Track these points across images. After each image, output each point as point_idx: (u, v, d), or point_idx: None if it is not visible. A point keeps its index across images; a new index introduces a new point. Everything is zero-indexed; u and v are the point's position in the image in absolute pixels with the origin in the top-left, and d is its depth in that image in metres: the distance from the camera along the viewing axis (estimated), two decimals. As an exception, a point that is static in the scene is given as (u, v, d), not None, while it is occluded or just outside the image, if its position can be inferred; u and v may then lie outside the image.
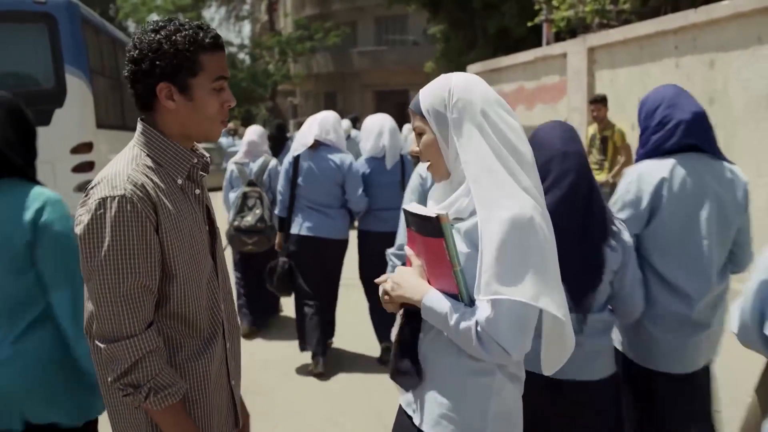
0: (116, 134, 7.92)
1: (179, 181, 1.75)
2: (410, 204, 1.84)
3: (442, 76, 1.83)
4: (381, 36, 33.43)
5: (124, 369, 1.63)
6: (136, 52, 1.68)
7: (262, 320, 6.05)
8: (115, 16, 35.76)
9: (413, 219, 1.80)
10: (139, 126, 1.76)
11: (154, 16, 33.61)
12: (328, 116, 5.11)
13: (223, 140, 16.09)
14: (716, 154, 2.65)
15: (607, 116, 7.80)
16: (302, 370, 5.03)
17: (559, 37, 12.18)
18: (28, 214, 2.05)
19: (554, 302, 1.64)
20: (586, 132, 7.92)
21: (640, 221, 2.57)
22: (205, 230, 1.83)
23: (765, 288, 1.89)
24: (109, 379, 1.66)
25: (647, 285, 2.58)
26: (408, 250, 1.87)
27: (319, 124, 5.00)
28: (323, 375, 4.94)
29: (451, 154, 1.77)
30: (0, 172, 2.10)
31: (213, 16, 39.42)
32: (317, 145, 4.96)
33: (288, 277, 5.02)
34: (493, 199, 1.64)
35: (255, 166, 5.89)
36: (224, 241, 5.62)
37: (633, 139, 7.79)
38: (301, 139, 5.02)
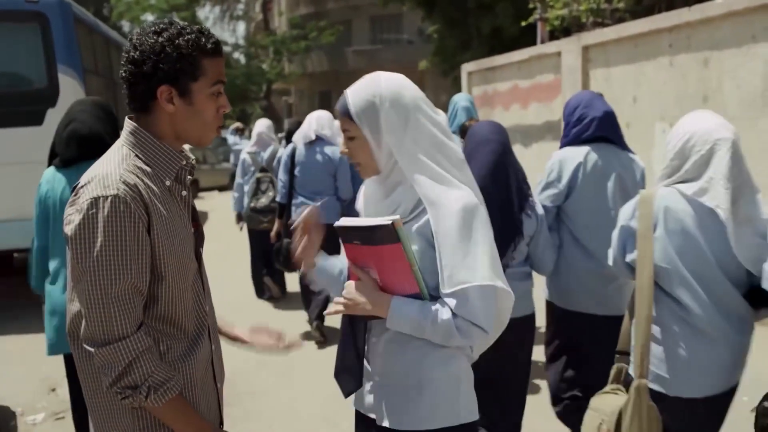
0: (110, 134, 7.89)
1: (167, 183, 1.74)
2: (342, 219, 1.84)
3: (369, 75, 1.85)
4: (376, 35, 33.43)
5: (120, 371, 1.61)
6: (137, 53, 1.67)
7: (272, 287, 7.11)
8: (109, 15, 35.66)
9: (356, 233, 1.81)
10: (129, 125, 1.75)
11: (149, 16, 33.55)
12: (322, 114, 5.90)
13: (230, 138, 16.43)
14: (621, 145, 3.41)
15: None
16: (298, 363, 5.03)
17: (553, 36, 12.18)
18: None
19: (501, 279, 1.76)
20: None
21: (560, 196, 3.29)
22: (190, 232, 1.83)
23: (623, 231, 2.54)
24: (106, 384, 1.63)
25: (566, 246, 3.31)
26: (351, 266, 1.88)
27: (316, 121, 5.77)
28: (323, 343, 5.67)
29: (383, 154, 1.80)
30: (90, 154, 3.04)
31: (207, 15, 39.34)
32: (314, 140, 5.71)
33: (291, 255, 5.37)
34: (437, 194, 1.72)
35: (266, 155, 6.77)
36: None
37: (628, 138, 7.79)
38: (302, 134, 5.77)
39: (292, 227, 1.93)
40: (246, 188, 6.84)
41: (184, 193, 1.81)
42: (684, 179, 2.37)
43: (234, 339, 2.11)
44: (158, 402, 1.64)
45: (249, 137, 12.31)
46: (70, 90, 6.68)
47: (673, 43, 6.97)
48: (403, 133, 1.76)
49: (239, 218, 7.13)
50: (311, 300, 5.73)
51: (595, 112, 3.34)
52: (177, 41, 1.66)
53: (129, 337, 1.62)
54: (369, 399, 1.90)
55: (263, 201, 6.54)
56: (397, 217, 1.73)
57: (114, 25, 33.73)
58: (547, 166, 3.35)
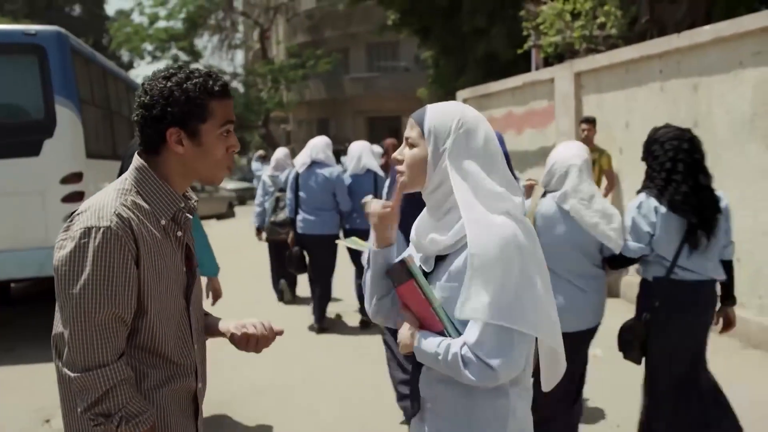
0: (106, 164, 7.93)
1: (162, 222, 1.78)
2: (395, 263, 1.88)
3: (455, 102, 1.90)
4: (372, 62, 33.68)
5: (96, 398, 1.64)
6: (147, 98, 1.74)
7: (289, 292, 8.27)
8: (108, 45, 35.97)
9: (391, 276, 1.88)
10: (136, 162, 1.80)
11: (147, 45, 33.82)
12: (318, 141, 6.94)
13: (254, 164, 17.37)
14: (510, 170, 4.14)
15: (594, 140, 7.86)
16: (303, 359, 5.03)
17: (547, 62, 12.30)
18: None
19: (539, 327, 1.71)
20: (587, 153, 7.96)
21: None
22: (182, 271, 1.86)
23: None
24: (80, 409, 1.67)
25: None
26: (400, 308, 1.90)
27: (311, 148, 6.85)
28: (325, 330, 6.82)
29: (436, 178, 1.81)
30: None
31: (206, 44, 39.70)
32: (312, 164, 6.76)
33: (300, 260, 6.90)
34: (478, 225, 1.70)
35: (283, 177, 7.77)
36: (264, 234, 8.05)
37: (621, 163, 7.84)
38: (300, 160, 6.89)
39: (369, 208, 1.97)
40: (267, 205, 8.01)
41: (179, 233, 1.85)
42: (553, 189, 3.45)
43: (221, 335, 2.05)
44: None
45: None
46: (67, 121, 6.74)
47: (664, 69, 7.05)
48: (465, 162, 1.77)
49: (259, 231, 8.36)
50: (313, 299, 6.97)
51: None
52: (185, 85, 1.73)
53: (109, 365, 1.65)
54: (419, 427, 1.92)
55: (281, 216, 7.52)
56: (407, 254, 1.77)
57: (113, 54, 34.01)
58: None
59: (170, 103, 1.72)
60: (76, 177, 6.75)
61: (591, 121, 7.91)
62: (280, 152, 8.53)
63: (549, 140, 9.48)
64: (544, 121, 9.73)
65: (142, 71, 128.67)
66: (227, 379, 5.18)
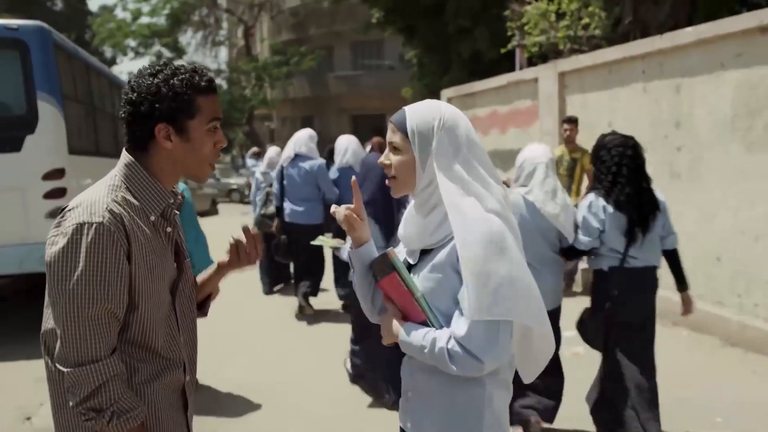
0: (89, 160, 7.87)
1: (152, 218, 1.79)
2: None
3: (430, 101, 1.92)
4: (357, 60, 33.65)
5: (88, 393, 1.64)
6: (134, 95, 1.75)
7: (275, 285, 8.66)
8: (90, 41, 35.70)
9: (373, 269, 1.93)
10: (124, 158, 1.81)
11: (131, 41, 33.62)
12: (302, 134, 7.35)
13: (249, 161, 17.66)
14: None
15: (577, 140, 7.91)
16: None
17: (531, 62, 12.36)
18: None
19: (526, 312, 1.76)
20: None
21: None
22: (172, 266, 1.88)
23: None
24: (71, 404, 1.67)
25: None
26: (383, 300, 1.95)
27: (295, 142, 7.25)
28: (311, 316, 7.10)
29: (425, 178, 1.84)
30: None
31: (189, 41, 39.43)
32: (296, 157, 7.15)
33: (287, 248, 7.30)
34: (467, 223, 1.74)
35: (274, 174, 7.95)
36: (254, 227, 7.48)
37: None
38: (285, 154, 7.35)
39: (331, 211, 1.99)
40: (258, 200, 8.45)
41: (168, 229, 1.86)
42: (522, 183, 3.93)
43: (219, 274, 2.10)
44: (119, 429, 1.67)
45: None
46: (49, 117, 6.68)
47: (647, 69, 7.11)
48: (451, 161, 1.80)
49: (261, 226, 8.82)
50: (298, 287, 7.24)
51: None
52: (172, 81, 1.74)
53: (101, 360, 1.65)
54: (403, 414, 1.97)
55: (270, 209, 7.90)
56: (390, 248, 1.82)
57: (95, 50, 33.76)
58: None
59: (158, 100, 1.73)
60: (58, 173, 6.69)
61: (573, 121, 7.96)
62: (273, 151, 8.99)
63: (533, 139, 9.50)
64: (528, 121, 9.78)
65: (125, 67, 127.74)
66: (212, 379, 5.16)
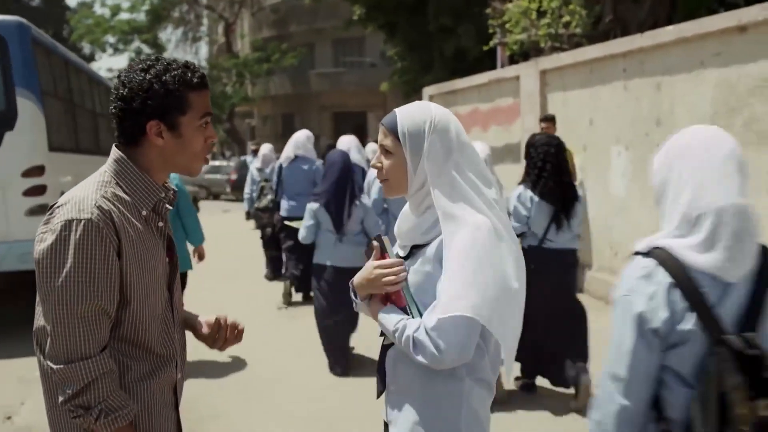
0: (69, 157, 7.80)
1: (144, 213, 1.78)
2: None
3: (420, 102, 1.93)
4: (338, 58, 33.61)
5: (77, 390, 1.64)
6: (126, 90, 1.74)
7: (277, 272, 8.96)
8: (68, 37, 35.30)
9: (365, 251, 2.06)
10: (114, 154, 1.80)
11: (110, 38, 33.28)
12: (300, 136, 8.08)
13: (248, 158, 18.41)
14: None
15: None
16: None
17: (513, 60, 12.42)
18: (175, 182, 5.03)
19: (496, 321, 1.75)
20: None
21: None
22: (164, 262, 1.87)
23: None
24: (60, 400, 1.66)
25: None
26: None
27: (294, 144, 8.00)
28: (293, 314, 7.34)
29: (417, 180, 1.85)
30: None
31: (169, 37, 39.13)
32: (295, 158, 7.94)
33: (275, 239, 8.53)
34: (455, 223, 1.76)
35: (268, 170, 9.07)
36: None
37: (585, 160, 7.96)
38: (284, 155, 8.08)
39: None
40: (254, 195, 9.29)
41: (160, 224, 1.85)
42: None
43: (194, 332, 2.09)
44: (107, 427, 1.66)
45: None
46: (29, 113, 6.61)
47: (627, 67, 7.17)
48: (442, 163, 1.81)
49: (248, 215, 10.86)
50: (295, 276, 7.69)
51: None
52: (164, 77, 1.73)
53: (91, 357, 1.65)
54: (386, 406, 1.98)
55: (264, 202, 8.82)
56: (381, 229, 1.90)
57: (73, 46, 33.40)
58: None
59: (150, 96, 1.72)
60: (37, 170, 6.63)
61: (550, 120, 7.97)
62: (266, 148, 9.79)
63: (514, 137, 9.57)
64: (510, 118, 9.83)
65: (103, 64, 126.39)
66: (192, 375, 5.14)
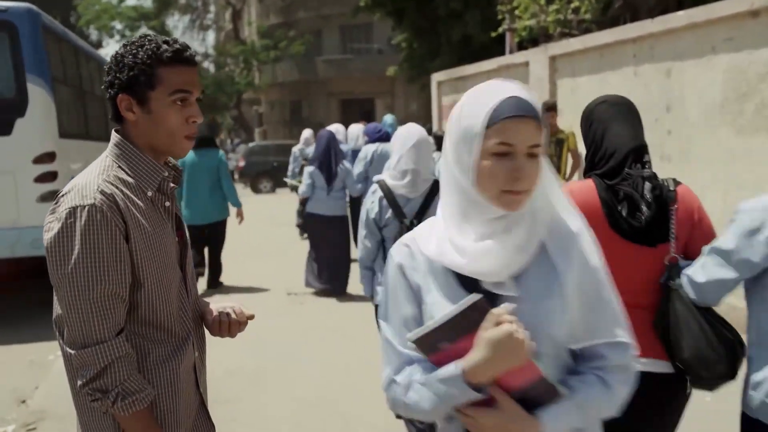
0: (79, 144, 7.84)
1: (149, 194, 1.78)
2: (416, 331, 1.41)
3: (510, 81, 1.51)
4: (346, 44, 33.49)
5: (94, 374, 1.65)
6: (107, 66, 1.76)
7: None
8: (75, 23, 35.29)
9: (439, 334, 1.37)
10: (114, 137, 1.80)
11: (117, 24, 33.29)
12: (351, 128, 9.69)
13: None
14: None
15: (559, 124, 7.82)
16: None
17: (521, 46, 12.37)
18: (218, 157, 7.70)
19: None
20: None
21: None
22: (174, 241, 1.87)
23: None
24: (78, 384, 1.68)
25: None
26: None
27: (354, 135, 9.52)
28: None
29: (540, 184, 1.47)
30: (209, 144, 7.78)
31: (176, 24, 39.12)
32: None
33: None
34: (566, 225, 1.49)
35: (309, 150, 10.05)
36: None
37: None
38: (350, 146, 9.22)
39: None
40: (296, 170, 11.07)
41: (167, 203, 1.85)
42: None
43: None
44: (124, 411, 1.67)
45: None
46: (39, 100, 6.63)
47: (637, 53, 7.14)
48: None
49: (293, 188, 12.57)
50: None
51: None
52: (136, 51, 1.73)
53: (107, 341, 1.66)
54: None
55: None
56: (480, 296, 1.35)
57: (80, 32, 33.40)
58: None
59: (119, 70, 1.73)
60: (48, 157, 6.66)
61: (552, 108, 7.53)
62: (307, 132, 11.53)
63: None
64: (519, 105, 9.81)
65: (111, 50, 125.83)
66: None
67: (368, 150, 7.65)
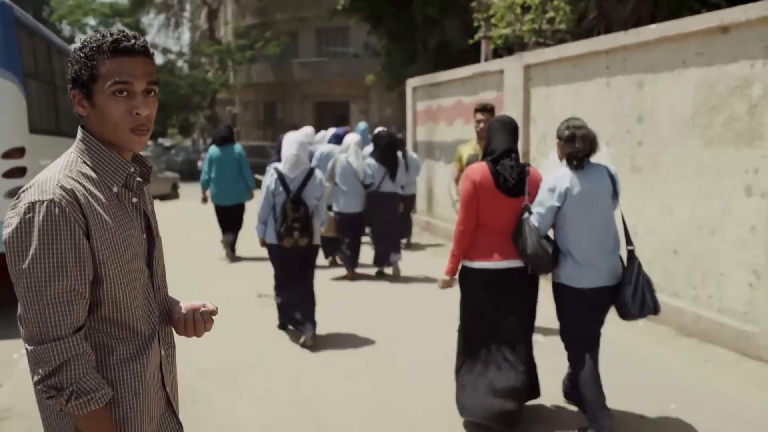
0: (50, 140, 7.74)
1: (114, 189, 1.76)
2: None
3: None
4: (322, 47, 33.49)
5: (49, 371, 1.63)
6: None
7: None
8: (48, 18, 34.81)
9: None
10: (79, 133, 1.79)
11: (90, 20, 32.89)
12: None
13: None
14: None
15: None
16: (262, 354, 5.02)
17: (497, 54, 12.47)
18: (238, 152, 9.69)
19: None
20: (457, 153, 6.46)
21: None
22: (141, 238, 1.85)
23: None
24: (35, 380, 1.65)
25: None
26: None
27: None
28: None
29: None
30: (229, 141, 9.64)
31: (152, 22, 38.72)
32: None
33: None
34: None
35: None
36: None
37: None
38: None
39: None
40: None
41: (134, 200, 1.83)
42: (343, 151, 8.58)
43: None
44: (78, 410, 1.65)
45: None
46: (10, 94, 6.55)
47: (610, 64, 7.24)
48: None
49: None
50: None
51: None
52: (83, 46, 1.73)
53: (64, 338, 1.63)
54: None
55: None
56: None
57: (53, 27, 32.96)
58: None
59: (71, 65, 1.75)
60: (18, 152, 6.58)
61: (489, 110, 6.01)
62: (308, 129, 11.46)
63: (497, 131, 9.60)
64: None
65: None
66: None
67: (318, 151, 9.26)
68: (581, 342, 4.03)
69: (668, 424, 4.22)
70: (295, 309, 5.90)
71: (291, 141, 5.79)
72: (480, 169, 4.09)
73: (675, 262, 6.27)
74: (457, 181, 6.28)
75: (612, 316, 4.15)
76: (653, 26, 6.68)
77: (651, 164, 6.59)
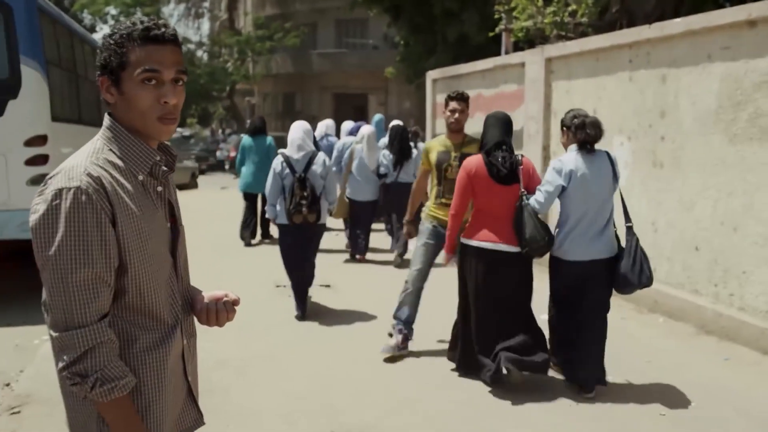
0: (72, 128, 7.79)
1: (140, 178, 1.76)
2: None
3: None
4: (341, 39, 33.45)
5: (74, 358, 1.63)
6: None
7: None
8: (69, 7, 35.00)
9: None
10: (106, 120, 1.79)
11: (111, 10, 33.05)
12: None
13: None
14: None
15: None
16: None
17: (517, 47, 12.38)
18: (268, 142, 10.22)
19: None
20: (425, 150, 5.55)
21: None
22: (165, 227, 1.85)
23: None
24: (59, 366, 1.66)
25: None
26: None
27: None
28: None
29: None
30: (262, 132, 10.23)
31: (172, 12, 38.86)
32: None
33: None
34: None
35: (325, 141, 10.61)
36: None
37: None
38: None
39: None
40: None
41: (159, 188, 1.83)
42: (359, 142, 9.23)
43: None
44: (102, 397, 1.65)
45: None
46: (33, 82, 6.59)
47: (633, 58, 7.16)
48: None
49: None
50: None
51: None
52: (113, 33, 1.74)
53: (89, 326, 1.64)
54: None
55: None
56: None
57: (74, 16, 33.15)
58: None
59: (101, 52, 1.75)
60: (40, 140, 6.62)
61: (465, 100, 5.48)
62: (329, 122, 11.39)
63: (517, 123, 9.53)
64: (513, 105, 9.81)
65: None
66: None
67: (339, 144, 9.81)
68: (569, 305, 4.63)
69: (687, 422, 4.19)
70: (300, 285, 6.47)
71: (296, 127, 6.37)
72: (475, 161, 4.67)
73: (696, 258, 6.21)
74: (420, 187, 5.77)
75: (630, 311, 4.13)
76: (678, 20, 6.59)
77: (673, 159, 6.52)
